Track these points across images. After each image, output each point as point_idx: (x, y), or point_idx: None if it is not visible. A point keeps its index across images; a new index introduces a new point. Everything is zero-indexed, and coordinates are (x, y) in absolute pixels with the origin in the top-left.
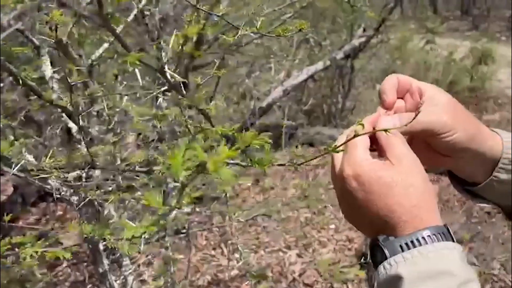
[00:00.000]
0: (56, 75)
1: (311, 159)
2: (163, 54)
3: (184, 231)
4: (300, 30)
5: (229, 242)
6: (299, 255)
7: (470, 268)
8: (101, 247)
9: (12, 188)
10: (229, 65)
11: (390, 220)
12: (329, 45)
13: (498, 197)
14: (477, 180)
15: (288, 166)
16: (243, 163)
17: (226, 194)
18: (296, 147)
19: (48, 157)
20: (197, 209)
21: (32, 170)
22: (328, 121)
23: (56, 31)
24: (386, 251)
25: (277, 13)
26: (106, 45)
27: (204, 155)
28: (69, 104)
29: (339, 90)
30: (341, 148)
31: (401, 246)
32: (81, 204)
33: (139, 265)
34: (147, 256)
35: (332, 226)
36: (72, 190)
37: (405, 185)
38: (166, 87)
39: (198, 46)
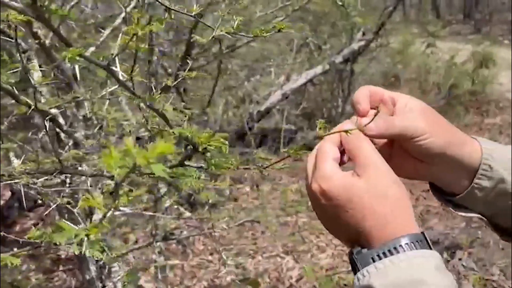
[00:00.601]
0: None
1: (275, 162)
2: (112, 51)
3: (174, 236)
4: (279, 30)
5: (223, 248)
6: (296, 261)
7: (448, 276)
8: (87, 253)
9: (10, 193)
10: (229, 68)
11: (364, 231)
12: (328, 49)
13: (481, 206)
14: (458, 190)
15: (254, 169)
16: (198, 166)
17: (208, 200)
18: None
19: (21, 161)
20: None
21: (3, 175)
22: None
23: (16, 31)
24: (358, 264)
25: (270, 16)
26: (92, 48)
27: (134, 150)
28: (51, 108)
29: (339, 94)
30: (311, 160)
31: (373, 258)
32: (31, 207)
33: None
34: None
35: None
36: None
37: (375, 195)
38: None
39: (189, 49)
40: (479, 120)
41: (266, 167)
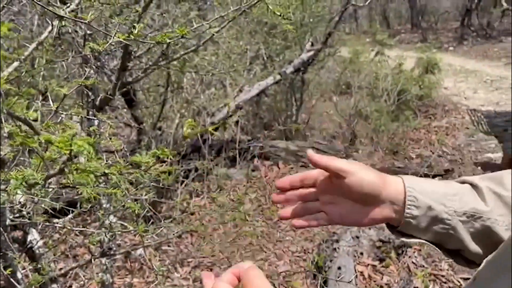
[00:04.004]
0: None
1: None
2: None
3: (111, 252)
4: (182, 36)
5: (183, 260)
6: None
7: None
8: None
9: None
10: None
11: None
12: (281, 60)
13: (422, 233)
14: (396, 223)
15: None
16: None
17: (134, 210)
18: (252, 160)
19: None
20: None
21: None
22: (283, 134)
23: None
24: None
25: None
26: (16, 63)
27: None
28: None
29: (292, 103)
30: None
31: None
32: None
33: None
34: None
35: (288, 238)
36: None
37: None
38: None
39: (125, 62)
40: (427, 123)
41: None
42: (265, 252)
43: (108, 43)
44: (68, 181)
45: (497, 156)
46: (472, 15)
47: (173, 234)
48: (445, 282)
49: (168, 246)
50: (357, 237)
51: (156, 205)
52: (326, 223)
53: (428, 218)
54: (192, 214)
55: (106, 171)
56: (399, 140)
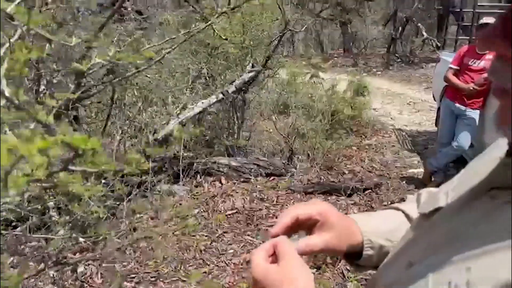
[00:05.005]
0: None
1: None
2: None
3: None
4: (151, 58)
5: (125, 276)
6: (198, 283)
7: None
8: None
9: None
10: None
11: None
12: (223, 80)
13: (374, 264)
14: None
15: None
16: (81, 169)
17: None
18: (195, 176)
19: None
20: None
21: None
22: (225, 151)
23: None
24: None
25: (158, 48)
26: None
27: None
28: None
29: (234, 122)
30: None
31: None
32: None
33: None
34: None
35: (231, 251)
36: None
37: (288, 277)
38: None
39: (78, 77)
40: (358, 141)
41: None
42: (208, 265)
43: (91, 63)
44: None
45: (419, 171)
46: (397, 43)
47: (116, 250)
48: None
49: (111, 262)
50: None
51: (98, 223)
52: None
53: (380, 254)
54: (134, 230)
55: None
56: (333, 157)
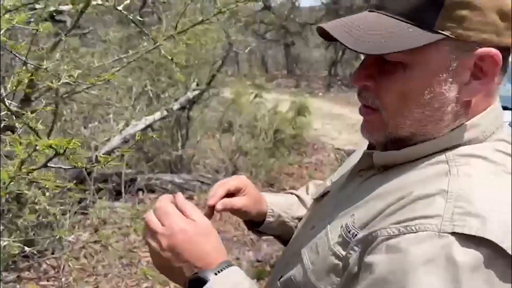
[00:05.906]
0: None
1: None
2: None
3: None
4: (108, 80)
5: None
6: None
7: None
8: None
9: None
10: (64, 114)
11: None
12: (167, 97)
13: (273, 231)
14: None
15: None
16: (59, 166)
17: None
18: (137, 193)
19: None
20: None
21: None
22: (168, 168)
23: None
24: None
25: (107, 66)
26: None
27: None
28: None
29: (178, 139)
30: None
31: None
32: None
33: None
34: None
35: None
36: None
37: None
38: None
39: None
40: (300, 159)
41: None
42: (150, 279)
43: (59, 83)
44: None
45: None
46: (338, 66)
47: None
48: None
49: (48, 281)
50: (238, 259)
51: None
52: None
53: (278, 223)
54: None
55: None
56: (275, 174)
